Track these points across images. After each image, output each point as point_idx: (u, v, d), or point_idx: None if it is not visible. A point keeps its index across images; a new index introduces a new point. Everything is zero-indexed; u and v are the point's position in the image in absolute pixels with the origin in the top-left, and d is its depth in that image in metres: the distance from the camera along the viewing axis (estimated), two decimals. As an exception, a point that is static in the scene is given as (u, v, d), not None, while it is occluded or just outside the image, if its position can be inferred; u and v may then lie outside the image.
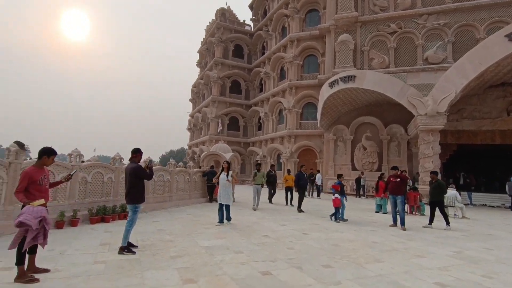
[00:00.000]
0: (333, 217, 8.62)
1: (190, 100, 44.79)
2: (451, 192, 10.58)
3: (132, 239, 5.23)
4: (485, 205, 17.54)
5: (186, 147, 48.79)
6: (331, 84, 19.15)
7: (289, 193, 12.66)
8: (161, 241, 5.32)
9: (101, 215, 6.65)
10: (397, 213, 8.00)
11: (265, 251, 4.93)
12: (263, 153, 29.25)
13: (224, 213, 7.41)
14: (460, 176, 19.96)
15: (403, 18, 21.12)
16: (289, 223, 7.89)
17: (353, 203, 14.82)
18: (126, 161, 6.30)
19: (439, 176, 16.26)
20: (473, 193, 17.76)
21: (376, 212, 11.12)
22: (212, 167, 12.67)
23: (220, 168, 8.17)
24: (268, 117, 29.61)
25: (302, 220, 8.43)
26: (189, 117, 43.40)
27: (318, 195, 18.01)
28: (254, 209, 10.37)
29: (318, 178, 19.04)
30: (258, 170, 11.44)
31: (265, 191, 12.94)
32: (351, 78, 17.94)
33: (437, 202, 8.27)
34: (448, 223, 8.04)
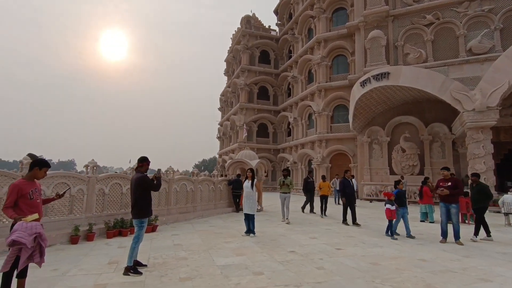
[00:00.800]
0: (389, 232, 7.13)
1: (219, 109, 45.19)
2: (510, 196, 9.07)
3: (144, 256, 4.82)
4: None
5: (217, 156, 49.22)
6: (363, 83, 17.98)
7: (323, 203, 11.24)
8: (174, 258, 4.83)
9: (118, 229, 6.37)
10: (449, 224, 6.76)
11: (289, 271, 4.24)
12: (293, 159, 28.36)
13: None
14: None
15: (441, 7, 19.43)
16: (320, 235, 7.08)
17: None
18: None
19: (493, 179, 14.46)
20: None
21: (421, 221, 9.85)
22: (238, 175, 12.17)
23: (244, 176, 7.62)
24: (297, 122, 28.75)
25: (335, 232, 7.55)
26: (218, 126, 43.72)
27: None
28: (287, 223, 8.95)
29: (354, 184, 17.78)
30: (285, 176, 9.73)
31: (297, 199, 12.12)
32: (384, 75, 16.68)
33: (483, 209, 7.11)
34: (488, 233, 7.01)
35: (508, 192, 9.57)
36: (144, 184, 4.14)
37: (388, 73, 16.56)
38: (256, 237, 6.69)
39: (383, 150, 20.17)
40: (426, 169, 18.51)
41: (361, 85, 18.17)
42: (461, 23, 18.73)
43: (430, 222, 9.56)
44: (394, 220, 7.10)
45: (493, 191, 13.99)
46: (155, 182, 4.31)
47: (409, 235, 7.01)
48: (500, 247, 6.20)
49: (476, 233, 6.94)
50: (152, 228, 7.06)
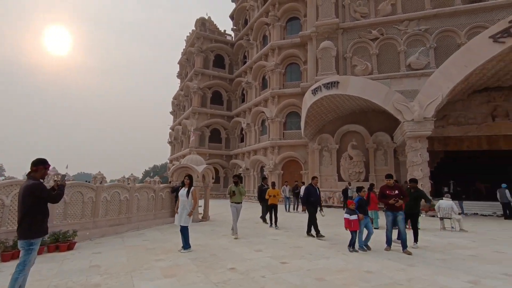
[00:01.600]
0: (351, 246, 6.37)
1: (171, 113, 43.24)
2: (447, 202, 9.56)
3: (42, 285, 3.79)
4: (477, 214, 16.75)
5: (168, 161, 46.90)
6: (314, 91, 18.29)
7: (273, 212, 10.23)
8: (83, 286, 3.88)
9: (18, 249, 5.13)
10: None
11: (225, 295, 3.60)
12: (246, 166, 27.93)
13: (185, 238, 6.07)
14: (450, 184, 19.22)
15: (384, 24, 20.76)
16: (266, 247, 6.56)
17: (340, 217, 13.65)
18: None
19: (429, 185, 15.55)
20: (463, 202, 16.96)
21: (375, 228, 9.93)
22: (183, 182, 11.25)
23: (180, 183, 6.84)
24: (250, 128, 28.48)
25: (283, 243, 7.10)
26: (170, 130, 41.75)
27: (304, 210, 16.70)
28: (235, 238, 7.68)
29: (303, 191, 17.86)
30: (236, 183, 8.26)
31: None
32: (334, 84, 17.12)
33: (417, 215, 7.31)
34: (416, 240, 7.04)
35: (444, 198, 10.13)
36: (36, 194, 3.19)
37: (338, 82, 17.03)
38: (194, 252, 5.93)
39: (333, 157, 20.70)
40: (371, 175, 19.34)
41: (312, 93, 18.47)
42: (401, 40, 20.17)
43: (375, 228, 9.66)
44: (358, 231, 6.48)
45: (429, 196, 15.01)
46: (55, 191, 3.38)
47: (363, 246, 6.47)
48: (439, 253, 6.27)
49: (416, 240, 7.01)
50: (68, 246, 5.90)
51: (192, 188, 6.41)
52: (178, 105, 39.81)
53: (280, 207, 12.69)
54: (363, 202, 6.76)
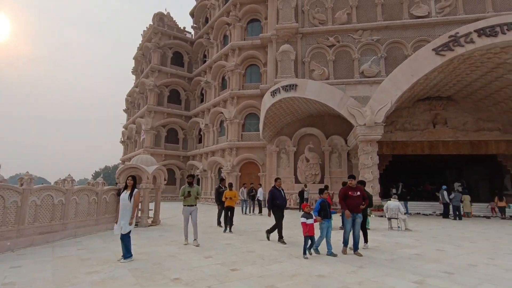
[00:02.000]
0: (307, 251, 5.97)
1: (125, 110, 40.76)
2: (394, 203, 10.03)
3: None
4: (419, 213, 18.04)
5: (121, 162, 44.07)
6: (273, 93, 18.34)
7: (229, 215, 9.47)
8: (-15, 311, 3.19)
9: None
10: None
11: (162, 312, 3.16)
12: (203, 167, 27.19)
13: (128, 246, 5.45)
14: (399, 186, 20.48)
15: (340, 32, 21.60)
16: (217, 253, 6.19)
17: (296, 219, 13.74)
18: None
19: (378, 187, 16.40)
20: (407, 202, 18.17)
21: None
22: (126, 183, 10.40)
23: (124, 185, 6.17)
24: (208, 128, 27.82)
25: (235, 248, 6.78)
26: (123, 129, 39.30)
27: (260, 212, 16.62)
28: (196, 245, 6.88)
29: (260, 193, 17.78)
30: (191, 184, 7.33)
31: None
32: (292, 87, 17.33)
33: (364, 216, 7.43)
34: (366, 240, 7.11)
35: (391, 199, 10.63)
36: None
37: (296, 85, 17.26)
38: (135, 261, 5.34)
39: (290, 159, 20.94)
40: (326, 178, 19.90)
41: (271, 95, 18.50)
42: (356, 48, 21.15)
43: (328, 230, 9.79)
44: (315, 236, 6.06)
45: (378, 197, 15.79)
46: None
47: (330, 253, 6.03)
48: (387, 253, 6.42)
49: (366, 240, 7.13)
50: (-21, 260, 4.96)
51: (136, 190, 5.81)
52: (133, 103, 37.66)
53: (238, 210, 12.40)
54: (326, 204, 6.29)
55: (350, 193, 6.30)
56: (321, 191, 6.63)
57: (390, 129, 19.72)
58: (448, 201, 15.26)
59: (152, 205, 11.19)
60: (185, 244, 7.03)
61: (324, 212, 6.19)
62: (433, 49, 14.00)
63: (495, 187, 20.16)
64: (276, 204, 7.70)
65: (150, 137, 29.52)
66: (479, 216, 16.46)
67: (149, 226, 9.87)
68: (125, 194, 5.76)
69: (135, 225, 9.82)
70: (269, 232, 8.01)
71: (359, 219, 6.30)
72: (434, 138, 19.57)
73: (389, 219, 10.12)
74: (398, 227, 9.93)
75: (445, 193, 15.46)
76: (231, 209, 9.64)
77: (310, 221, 6.01)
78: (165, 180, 10.66)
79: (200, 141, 30.44)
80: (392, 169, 20.97)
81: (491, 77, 16.30)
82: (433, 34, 19.86)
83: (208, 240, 7.64)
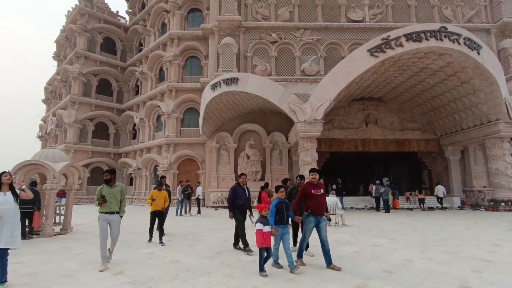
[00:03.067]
0: (262, 270, 4.60)
1: (44, 101, 35.45)
2: (332, 199, 9.97)
3: None
4: (353, 207, 18.90)
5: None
6: (214, 87, 17.36)
7: (158, 221, 7.72)
8: None
9: None
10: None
11: None
12: (137, 165, 24.86)
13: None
14: (338, 182, 21.24)
15: (283, 29, 21.57)
16: (132, 267, 5.07)
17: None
18: None
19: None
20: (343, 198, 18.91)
21: (259, 228, 9.45)
22: (33, 183, 8.50)
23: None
24: (144, 123, 25.54)
25: (157, 258, 5.72)
26: (41, 122, 34.12)
27: (199, 212, 15.53)
28: (101, 270, 4.90)
29: (200, 191, 16.71)
30: (109, 182, 5.37)
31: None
32: (234, 80, 16.57)
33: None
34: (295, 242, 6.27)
35: (329, 195, 10.60)
36: None
37: (237, 79, 16.56)
38: (12, 287, 3.97)
39: (230, 156, 20.20)
40: (267, 175, 19.63)
41: (211, 88, 17.51)
42: (297, 46, 21.33)
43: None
44: (271, 246, 4.82)
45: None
46: None
47: (292, 266, 4.71)
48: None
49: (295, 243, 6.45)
50: None
51: (18, 191, 4.40)
52: (53, 92, 32.89)
53: (171, 212, 11.18)
54: (283, 206, 4.99)
55: (312, 191, 5.08)
56: (277, 189, 5.33)
57: (328, 127, 20.29)
58: (380, 195, 16.16)
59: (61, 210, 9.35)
60: (101, 271, 4.84)
61: (280, 216, 4.93)
62: (368, 50, 14.57)
63: (415, 181, 22.26)
64: (238, 205, 6.48)
65: (73, 131, 25.95)
66: (403, 208, 17.82)
67: (55, 235, 8.11)
68: (4, 197, 4.31)
69: (36, 234, 7.99)
70: (235, 244, 6.64)
71: (324, 223, 5.12)
72: (367, 136, 20.73)
73: (327, 215, 10.03)
74: (336, 222, 9.89)
75: (379, 187, 16.33)
76: (159, 214, 7.67)
77: (267, 228, 4.71)
78: (80, 179, 8.94)
79: (134, 137, 27.85)
80: (329, 166, 21.67)
81: (414, 81, 17.76)
82: (367, 38, 20.96)
83: (124, 250, 6.37)
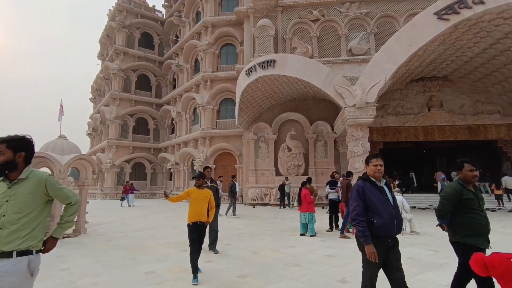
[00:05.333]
0: None
1: (91, 100, 37.08)
2: (398, 198, 7.68)
3: None
4: (415, 207, 15.99)
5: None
6: (248, 72, 15.72)
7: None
8: None
9: None
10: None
11: None
12: (175, 160, 24.36)
13: None
14: (413, 177, 18.32)
15: (325, 5, 19.10)
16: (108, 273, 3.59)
17: (274, 218, 11.32)
18: None
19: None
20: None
21: (300, 234, 7.56)
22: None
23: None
24: (181, 117, 24.92)
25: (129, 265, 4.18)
26: (89, 120, 35.69)
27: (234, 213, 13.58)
28: None
29: (236, 188, 15.19)
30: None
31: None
32: (270, 63, 14.73)
33: None
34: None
35: (394, 192, 8.33)
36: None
37: (274, 61, 14.68)
38: None
39: (270, 149, 18.46)
40: (310, 169, 17.58)
41: (246, 74, 15.89)
42: (343, 23, 18.73)
43: (311, 236, 7.35)
44: None
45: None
46: None
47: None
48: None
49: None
50: None
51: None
52: (98, 91, 34.09)
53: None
54: None
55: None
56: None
57: (380, 114, 17.54)
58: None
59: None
60: None
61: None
62: (435, 13, 11.72)
63: (490, 174, 18.36)
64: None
65: (115, 127, 26.31)
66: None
67: (64, 237, 7.11)
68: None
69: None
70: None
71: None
72: (429, 123, 17.56)
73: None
74: (402, 229, 7.60)
75: (444, 183, 13.38)
76: (200, 229, 4.50)
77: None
78: (94, 173, 7.92)
79: (173, 131, 27.51)
80: (386, 158, 18.78)
81: (495, 51, 14.27)
82: (428, 7, 17.63)
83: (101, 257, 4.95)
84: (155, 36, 30.21)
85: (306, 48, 18.75)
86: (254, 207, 16.62)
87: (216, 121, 21.65)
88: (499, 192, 14.80)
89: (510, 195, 14.97)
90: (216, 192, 5.88)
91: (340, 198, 8.19)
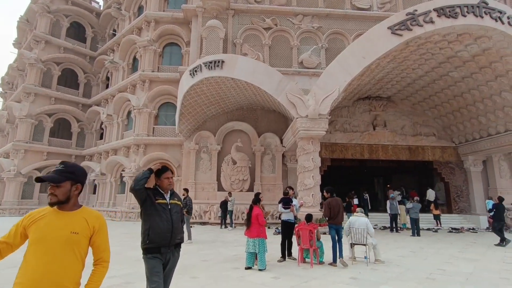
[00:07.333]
0: None
1: (0, 95, 30.89)
2: (361, 220, 6.48)
3: None
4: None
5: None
6: (193, 72, 13.92)
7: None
8: None
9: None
10: None
11: None
12: (101, 170, 20.80)
13: None
14: (363, 195, 17.65)
15: (278, 14, 18.47)
16: None
17: (214, 242, 9.40)
18: None
19: (319, 195, 13.19)
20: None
21: (246, 268, 5.79)
22: None
23: None
24: (112, 120, 21.61)
25: None
26: (-5, 118, 29.44)
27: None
28: None
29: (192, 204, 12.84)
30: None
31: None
32: (218, 63, 13.15)
33: None
34: None
35: (355, 214, 7.03)
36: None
37: (223, 62, 13.14)
38: None
39: (213, 160, 16.57)
40: (256, 184, 16.08)
41: (190, 74, 14.05)
42: (295, 34, 18.23)
43: (260, 270, 5.64)
44: None
45: (318, 208, 12.48)
46: None
47: None
48: None
49: None
50: None
51: None
52: (10, 84, 28.48)
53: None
54: None
55: None
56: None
57: (329, 130, 16.98)
58: (399, 211, 12.87)
59: None
60: None
61: None
62: (389, 27, 11.53)
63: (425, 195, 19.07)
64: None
65: (25, 127, 21.70)
66: (422, 229, 14.55)
67: None
68: None
69: None
70: None
71: None
72: (374, 142, 17.64)
73: (353, 245, 6.53)
74: (365, 257, 6.38)
75: (394, 202, 13.03)
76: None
77: None
78: None
79: (102, 137, 23.81)
80: (330, 176, 18.28)
81: (436, 75, 14.88)
82: (376, 27, 18.15)
83: None
84: (88, 28, 26.52)
85: (257, 55, 17.70)
86: (191, 226, 14.35)
87: (154, 127, 19.05)
88: (437, 212, 15.10)
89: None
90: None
91: (296, 219, 6.71)
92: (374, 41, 11.76)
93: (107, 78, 24.87)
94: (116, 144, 20.13)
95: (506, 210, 15.64)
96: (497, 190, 16.49)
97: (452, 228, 14.50)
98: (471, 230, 14.42)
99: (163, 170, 3.05)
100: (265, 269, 5.62)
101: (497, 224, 10.19)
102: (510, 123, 14.29)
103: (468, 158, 17.22)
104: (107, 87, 24.69)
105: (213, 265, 6.05)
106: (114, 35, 24.82)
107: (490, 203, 13.97)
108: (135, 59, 21.81)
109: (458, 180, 17.68)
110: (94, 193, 22.50)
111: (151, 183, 2.98)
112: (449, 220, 16.29)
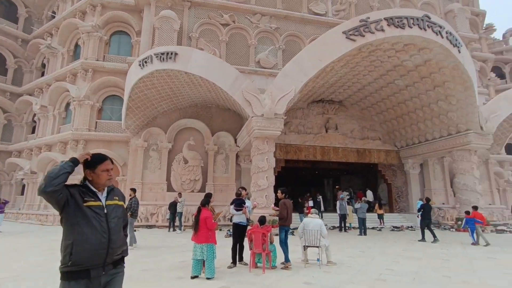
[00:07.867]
0: None
1: None
2: (316, 221, 6.34)
3: None
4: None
5: None
6: (143, 63, 12.89)
7: None
8: None
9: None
10: None
11: None
12: (31, 167, 18.34)
13: None
14: (316, 197, 17.79)
15: (237, 11, 18.09)
16: None
17: (159, 248, 8.63)
18: None
19: (273, 196, 13.06)
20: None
21: (192, 277, 5.24)
22: None
23: None
24: (47, 112, 19.22)
25: None
26: None
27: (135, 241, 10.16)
28: None
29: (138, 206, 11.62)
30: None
31: None
32: (171, 55, 12.33)
33: None
34: None
35: (309, 216, 6.87)
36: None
37: (176, 54, 12.35)
38: None
39: (162, 159, 15.54)
40: (208, 185, 15.45)
41: (140, 65, 12.99)
42: (253, 33, 18.02)
43: (207, 279, 5.14)
44: None
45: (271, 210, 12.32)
46: None
47: None
48: None
49: None
50: None
51: None
52: None
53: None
54: None
55: None
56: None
57: (284, 130, 17.06)
58: (347, 212, 13.27)
59: None
60: None
61: None
62: (344, 32, 11.83)
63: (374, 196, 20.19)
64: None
65: None
66: (368, 228, 15.25)
67: None
68: None
69: None
70: None
71: None
72: (326, 144, 18.14)
73: (306, 247, 6.35)
74: (318, 260, 6.24)
75: (343, 202, 13.41)
76: None
77: None
78: None
79: (34, 130, 21.07)
80: (284, 176, 18.35)
81: (383, 82, 15.73)
82: (330, 33, 18.74)
83: None
84: (21, 7, 23.37)
85: (213, 51, 17.09)
86: (135, 230, 13.20)
87: (96, 121, 17.30)
88: (381, 212, 15.97)
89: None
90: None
91: (249, 221, 6.34)
92: (330, 44, 11.98)
93: (43, 65, 22.13)
94: (51, 139, 17.91)
95: (438, 209, 17.32)
96: (431, 191, 18.07)
97: (393, 227, 15.47)
98: (410, 228, 15.50)
99: (99, 158, 2.25)
100: (213, 277, 5.13)
101: (423, 222, 11.01)
102: (444, 130, 15.70)
103: (408, 161, 18.59)
104: (42, 74, 21.96)
105: (154, 276, 5.39)
106: (53, 17, 22.18)
107: (419, 203, 15.17)
108: (77, 45, 19.67)
109: (399, 181, 19.00)
110: (22, 194, 19.78)
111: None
112: (391, 219, 17.37)
